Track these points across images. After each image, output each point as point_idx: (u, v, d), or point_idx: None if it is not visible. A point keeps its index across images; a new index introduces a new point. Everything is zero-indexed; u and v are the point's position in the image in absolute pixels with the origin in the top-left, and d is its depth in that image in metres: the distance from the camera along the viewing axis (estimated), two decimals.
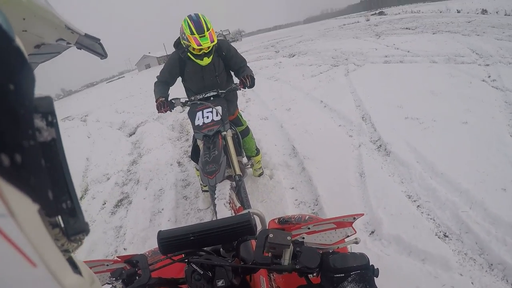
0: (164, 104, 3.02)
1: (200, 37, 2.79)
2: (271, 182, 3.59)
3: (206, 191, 3.40)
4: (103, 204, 4.21)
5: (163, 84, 3.19)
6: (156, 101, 3.01)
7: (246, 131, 3.42)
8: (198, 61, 2.98)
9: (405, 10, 39.91)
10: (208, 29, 2.82)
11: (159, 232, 1.00)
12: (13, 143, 0.25)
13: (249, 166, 3.62)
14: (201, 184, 3.47)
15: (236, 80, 3.28)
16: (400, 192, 2.94)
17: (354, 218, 1.10)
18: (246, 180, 3.59)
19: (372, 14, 37.76)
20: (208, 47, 2.91)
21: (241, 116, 3.50)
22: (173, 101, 3.08)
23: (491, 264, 2.15)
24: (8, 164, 0.24)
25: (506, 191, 2.65)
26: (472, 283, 2.05)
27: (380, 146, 3.73)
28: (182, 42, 2.97)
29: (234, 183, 2.76)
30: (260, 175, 3.71)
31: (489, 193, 2.65)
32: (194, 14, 2.96)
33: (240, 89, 3.14)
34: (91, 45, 1.32)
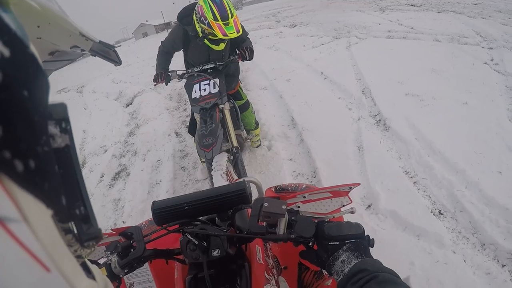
0: (161, 76, 2.97)
1: (224, 24, 2.56)
2: (269, 153, 3.59)
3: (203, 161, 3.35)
4: (101, 177, 4.20)
5: (165, 55, 3.13)
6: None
7: (246, 105, 3.35)
8: (213, 46, 2.85)
9: None
10: (232, 15, 2.60)
11: (153, 202, 1.00)
12: (27, 149, 0.25)
13: (248, 140, 3.60)
14: (200, 159, 3.46)
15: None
16: (397, 167, 2.96)
17: (350, 188, 1.10)
18: (244, 151, 3.60)
19: None
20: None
21: (242, 90, 3.43)
22: (169, 73, 3.02)
23: (484, 244, 2.20)
24: (22, 169, 0.24)
25: (502, 174, 2.67)
26: (464, 261, 2.11)
27: (380, 120, 3.73)
28: (198, 26, 2.74)
29: (231, 155, 2.74)
30: (258, 146, 3.69)
31: (485, 174, 2.67)
32: None
33: (238, 61, 3.06)
34: (105, 52, 1.34)
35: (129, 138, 5.17)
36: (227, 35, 2.58)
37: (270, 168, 3.35)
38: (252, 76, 6.17)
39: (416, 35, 7.11)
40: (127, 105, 7.00)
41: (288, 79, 5.52)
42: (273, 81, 5.58)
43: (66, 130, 0.32)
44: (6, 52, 0.22)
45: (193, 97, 2.83)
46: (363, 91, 4.47)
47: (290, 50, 7.48)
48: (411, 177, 2.84)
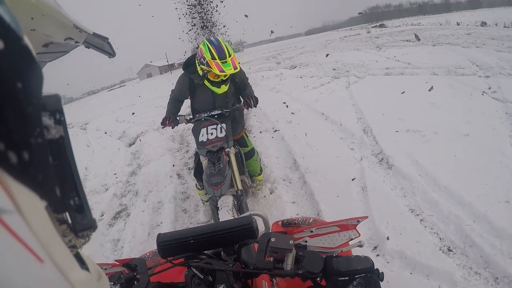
0: (169, 120, 3.09)
1: (222, 62, 2.70)
2: (271, 196, 3.57)
3: (206, 201, 3.40)
4: (101, 216, 4.17)
5: (175, 102, 3.29)
6: None
7: (251, 153, 3.41)
8: (214, 88, 2.98)
9: (406, 22, 40.16)
10: (230, 55, 2.75)
11: (159, 235, 1.00)
12: (21, 140, 0.25)
13: (252, 187, 3.63)
14: (201, 199, 3.47)
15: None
16: (402, 206, 2.91)
17: (358, 221, 1.09)
18: (247, 195, 3.59)
19: (373, 27, 37.97)
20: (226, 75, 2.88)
21: (247, 137, 3.49)
22: (177, 118, 3.14)
23: (497, 278, 2.13)
24: (16, 161, 0.24)
25: (510, 203, 2.63)
26: None
27: (382, 159, 3.72)
28: (199, 68, 2.91)
29: (236, 199, 2.78)
30: (259, 189, 3.70)
31: (493, 205, 2.63)
32: (214, 38, 2.91)
33: (243, 109, 3.21)
34: (100, 44, 1.38)
35: (130, 178, 5.17)
36: (223, 71, 2.70)
37: (273, 211, 3.33)
38: (254, 118, 6.27)
39: (413, 70, 7.25)
40: (130, 145, 7.07)
41: (289, 120, 5.59)
42: (275, 123, 5.65)
43: (60, 121, 0.33)
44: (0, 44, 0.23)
45: (200, 140, 2.94)
46: (364, 130, 4.50)
47: (291, 91, 7.61)
48: (417, 215, 2.79)
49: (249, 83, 3.31)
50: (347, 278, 0.79)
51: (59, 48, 1.26)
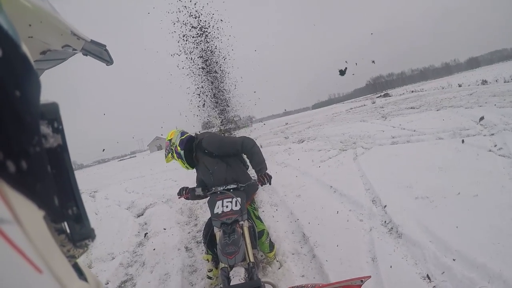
0: (186, 191, 3.50)
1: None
2: (280, 270, 3.53)
3: (210, 278, 3.46)
4: (106, 284, 4.11)
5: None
6: None
7: (260, 234, 3.44)
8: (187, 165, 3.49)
9: (409, 89, 41.23)
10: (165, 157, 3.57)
11: None
12: (18, 149, 0.25)
13: (263, 261, 3.64)
14: (207, 274, 3.50)
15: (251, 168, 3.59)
16: (414, 274, 2.83)
17: (362, 281, 1.11)
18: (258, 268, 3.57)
19: (377, 97, 39.01)
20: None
21: (256, 215, 3.58)
22: (195, 188, 3.47)
23: None
24: (14, 170, 0.25)
25: None
26: None
27: (392, 228, 3.66)
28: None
29: (247, 272, 2.82)
30: (271, 261, 3.69)
31: (507, 264, 2.54)
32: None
33: (258, 185, 3.41)
34: (98, 51, 1.40)
35: (138, 249, 5.13)
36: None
37: (282, 285, 3.25)
38: (263, 192, 6.29)
39: (419, 136, 7.34)
40: (138, 216, 7.08)
41: (298, 194, 5.60)
42: (283, 197, 5.67)
43: (58, 130, 0.33)
44: None
45: (215, 212, 3.09)
46: (373, 201, 4.49)
47: (299, 166, 7.70)
48: (430, 282, 2.70)
49: (241, 140, 3.43)
50: None
51: (57, 56, 1.26)
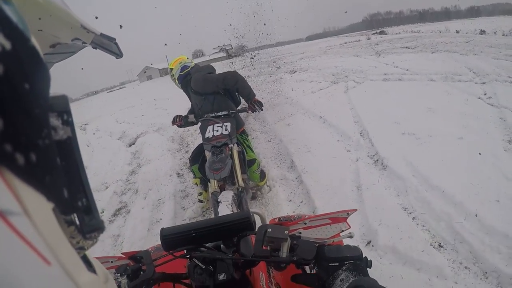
0: (179, 118, 3.75)
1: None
2: (268, 194, 3.67)
3: (201, 201, 3.61)
4: (101, 213, 4.21)
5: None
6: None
7: (251, 162, 3.51)
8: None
9: (406, 29, 40.23)
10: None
11: (162, 229, 1.05)
12: (28, 142, 0.25)
13: (254, 189, 3.79)
14: (198, 198, 3.67)
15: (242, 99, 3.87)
16: (396, 204, 2.99)
17: (348, 214, 1.18)
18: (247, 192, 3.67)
19: (373, 33, 37.99)
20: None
21: (248, 144, 3.67)
22: (188, 115, 3.72)
23: (486, 272, 2.21)
24: (23, 163, 0.24)
25: (500, 202, 2.71)
26: None
27: (377, 160, 3.79)
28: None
29: (236, 196, 2.92)
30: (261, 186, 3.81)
31: (484, 204, 2.71)
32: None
33: (248, 112, 3.59)
34: (107, 44, 1.40)
35: (130, 177, 5.24)
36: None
37: (270, 209, 3.42)
38: (253, 121, 6.35)
39: (411, 76, 7.29)
40: (130, 145, 7.13)
41: (288, 123, 5.64)
42: (273, 125, 5.73)
43: (68, 122, 0.33)
44: (7, 45, 0.23)
45: (206, 136, 3.26)
46: (360, 133, 4.57)
47: (290, 95, 7.62)
48: (410, 213, 2.87)
49: (224, 76, 3.51)
50: (337, 264, 0.86)
51: (66, 49, 1.26)
